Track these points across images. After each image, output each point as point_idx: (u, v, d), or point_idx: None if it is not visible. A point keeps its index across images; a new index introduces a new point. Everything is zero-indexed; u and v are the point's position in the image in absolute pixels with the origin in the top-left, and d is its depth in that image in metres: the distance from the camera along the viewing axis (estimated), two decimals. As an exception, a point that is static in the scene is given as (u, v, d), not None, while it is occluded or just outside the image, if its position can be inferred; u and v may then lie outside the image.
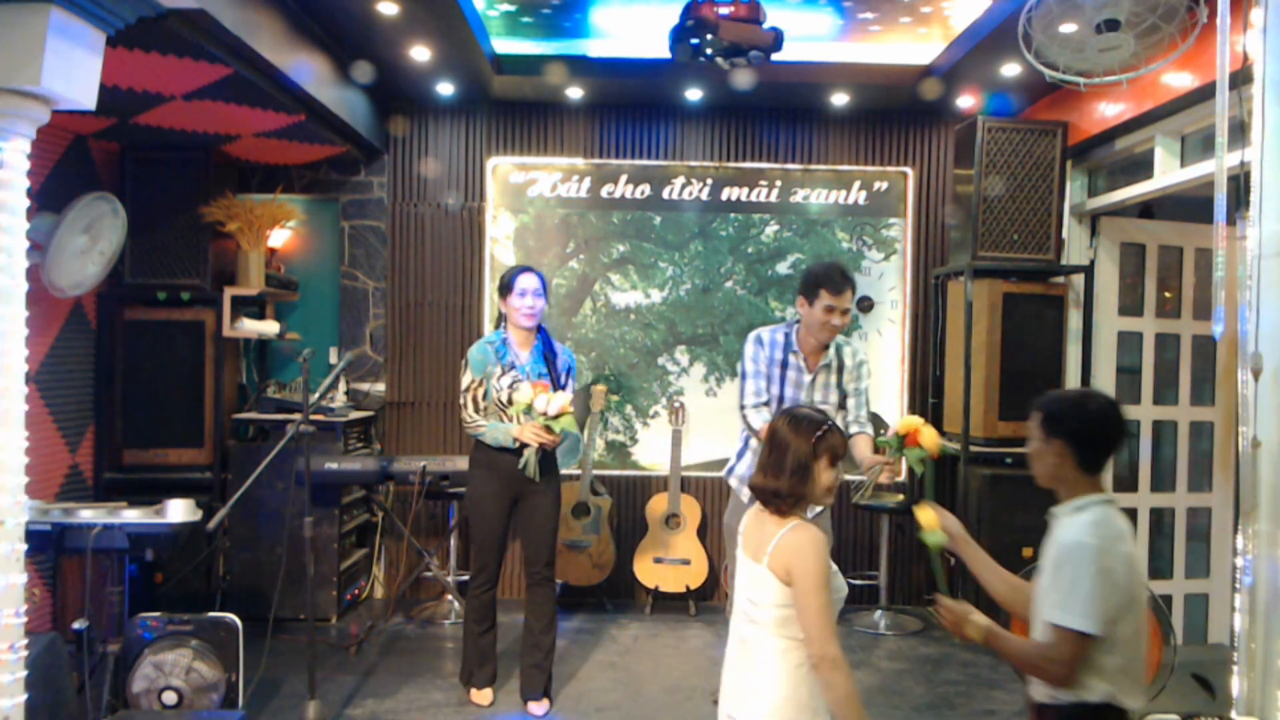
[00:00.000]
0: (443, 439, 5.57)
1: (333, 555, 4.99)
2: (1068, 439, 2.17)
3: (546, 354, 3.89)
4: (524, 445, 3.74)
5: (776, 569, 2.21)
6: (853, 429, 3.65)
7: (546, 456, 3.86)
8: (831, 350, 3.73)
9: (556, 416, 3.63)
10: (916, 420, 3.18)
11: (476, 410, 3.84)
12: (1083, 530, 2.08)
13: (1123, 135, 4.55)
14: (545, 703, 3.93)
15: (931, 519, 2.43)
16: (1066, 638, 2.03)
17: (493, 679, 4.02)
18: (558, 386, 3.84)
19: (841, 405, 3.69)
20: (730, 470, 3.93)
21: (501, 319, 3.94)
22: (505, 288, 3.86)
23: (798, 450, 2.26)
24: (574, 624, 5.10)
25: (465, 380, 3.86)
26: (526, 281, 3.82)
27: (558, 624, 4.04)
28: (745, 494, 3.85)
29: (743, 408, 3.75)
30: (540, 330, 3.92)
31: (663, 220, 5.61)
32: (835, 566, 2.31)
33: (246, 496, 3.83)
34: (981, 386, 4.89)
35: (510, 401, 3.76)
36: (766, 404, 3.71)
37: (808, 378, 3.71)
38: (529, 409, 3.65)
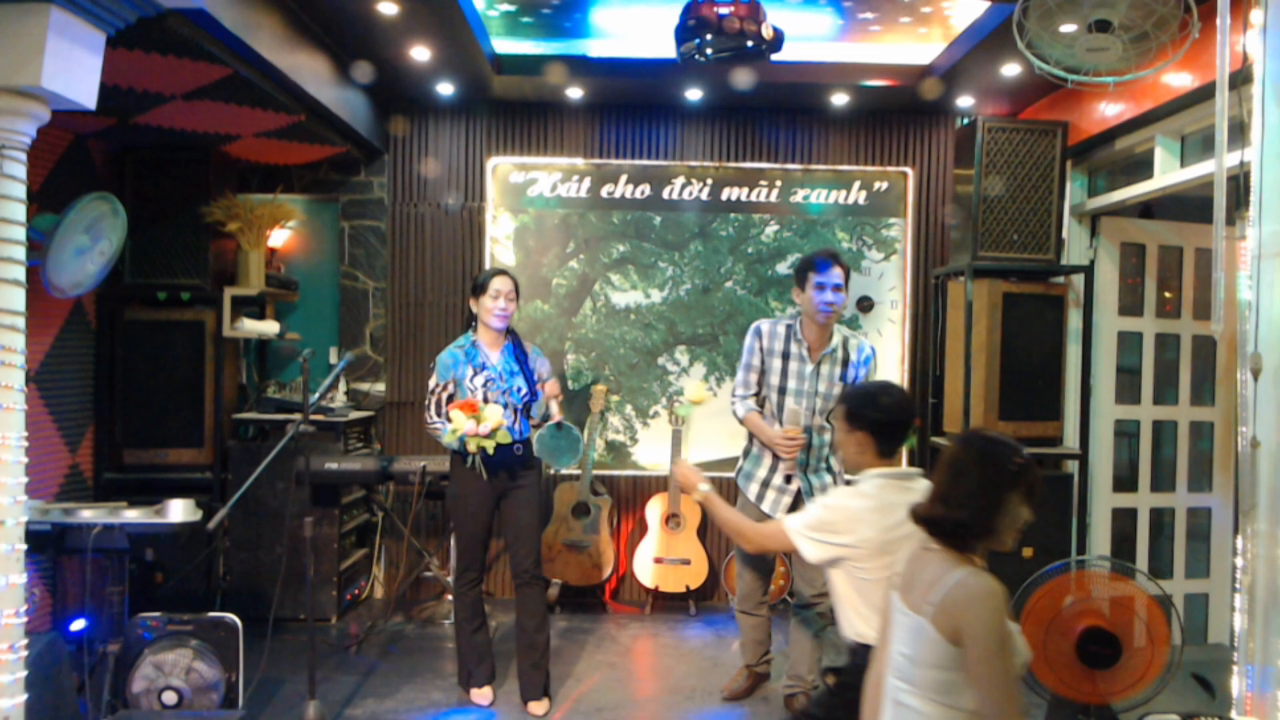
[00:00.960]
0: (443, 439, 5.57)
1: (333, 555, 4.99)
2: (868, 429, 2.47)
3: (518, 355, 3.93)
4: (481, 448, 3.79)
5: (942, 625, 1.87)
6: None
7: (528, 452, 3.93)
8: (836, 339, 3.77)
9: (490, 434, 3.70)
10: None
11: (438, 413, 3.88)
12: (837, 489, 2.50)
13: (1123, 135, 4.55)
14: (545, 702, 3.93)
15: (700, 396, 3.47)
16: (778, 530, 2.55)
17: (491, 676, 4.03)
18: (530, 387, 3.91)
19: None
20: (739, 470, 3.97)
21: (473, 320, 3.96)
22: (478, 289, 3.90)
23: (989, 475, 1.92)
24: (574, 624, 5.10)
25: (431, 383, 3.91)
26: (499, 283, 3.86)
27: (551, 623, 4.04)
28: (752, 493, 3.87)
29: (732, 399, 3.88)
30: (510, 332, 3.96)
31: (663, 220, 5.61)
32: (1015, 625, 1.95)
33: (246, 496, 3.83)
34: (981, 386, 4.88)
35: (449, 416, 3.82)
36: (756, 395, 3.84)
37: (809, 367, 3.74)
38: (464, 437, 3.71)
